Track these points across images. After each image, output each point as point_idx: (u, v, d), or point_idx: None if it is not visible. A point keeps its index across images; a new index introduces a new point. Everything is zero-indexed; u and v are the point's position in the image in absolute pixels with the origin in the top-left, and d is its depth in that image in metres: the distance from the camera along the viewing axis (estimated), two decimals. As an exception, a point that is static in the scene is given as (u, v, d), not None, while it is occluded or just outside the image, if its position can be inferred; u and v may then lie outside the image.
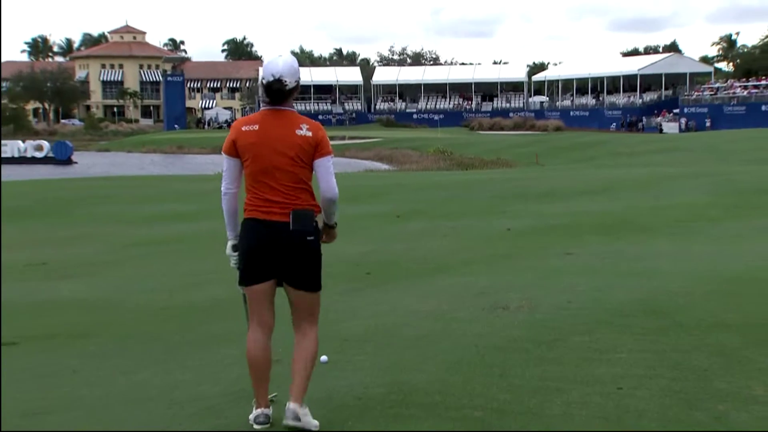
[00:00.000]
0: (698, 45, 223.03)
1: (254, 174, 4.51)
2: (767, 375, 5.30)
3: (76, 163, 52.19)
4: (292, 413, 4.43)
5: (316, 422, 4.48)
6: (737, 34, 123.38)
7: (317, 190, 4.55)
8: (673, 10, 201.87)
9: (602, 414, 4.67)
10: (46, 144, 55.21)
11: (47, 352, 6.20)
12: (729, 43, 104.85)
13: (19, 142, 56.94)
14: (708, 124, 70.24)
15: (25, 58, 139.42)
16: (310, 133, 4.53)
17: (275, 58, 4.58)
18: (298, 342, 4.59)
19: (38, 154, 53.48)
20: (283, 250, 4.49)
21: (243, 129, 4.56)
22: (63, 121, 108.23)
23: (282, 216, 4.47)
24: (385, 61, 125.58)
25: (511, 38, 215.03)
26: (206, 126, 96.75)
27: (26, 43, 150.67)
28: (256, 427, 4.52)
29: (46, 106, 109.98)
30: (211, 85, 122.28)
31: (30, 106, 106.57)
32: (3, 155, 53.33)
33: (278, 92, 4.52)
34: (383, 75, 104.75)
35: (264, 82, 4.53)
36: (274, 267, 4.52)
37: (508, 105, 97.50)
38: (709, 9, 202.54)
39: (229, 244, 4.70)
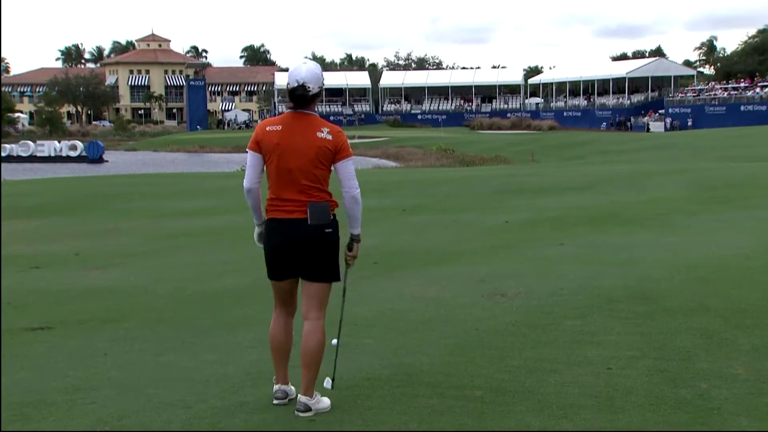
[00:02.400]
0: (678, 50, 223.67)
1: (276, 173, 4.47)
2: (747, 355, 5.30)
3: (107, 161, 52.26)
4: (303, 405, 4.43)
5: (327, 401, 4.50)
6: (716, 39, 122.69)
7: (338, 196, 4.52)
8: (654, 18, 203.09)
9: (593, 392, 4.67)
10: (79, 144, 55.29)
11: (80, 336, 6.21)
12: (710, 48, 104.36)
13: (56, 142, 57.05)
14: (690, 123, 70.02)
15: (59, 65, 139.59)
16: (330, 137, 4.45)
17: (300, 65, 4.52)
18: (307, 332, 4.50)
19: (72, 154, 53.58)
20: (303, 245, 4.44)
21: (267, 129, 4.51)
22: (94, 122, 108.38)
23: (301, 213, 4.43)
24: (392, 66, 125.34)
25: (506, 44, 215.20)
26: (226, 127, 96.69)
27: (60, 51, 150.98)
28: (274, 401, 4.55)
29: (79, 109, 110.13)
30: (231, 89, 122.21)
31: (64, 109, 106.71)
32: (40, 154, 53.57)
33: (301, 97, 4.46)
34: (390, 79, 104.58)
35: (288, 87, 4.48)
36: (296, 264, 4.49)
37: (506, 106, 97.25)
38: (687, 17, 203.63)
39: (256, 231, 4.68)
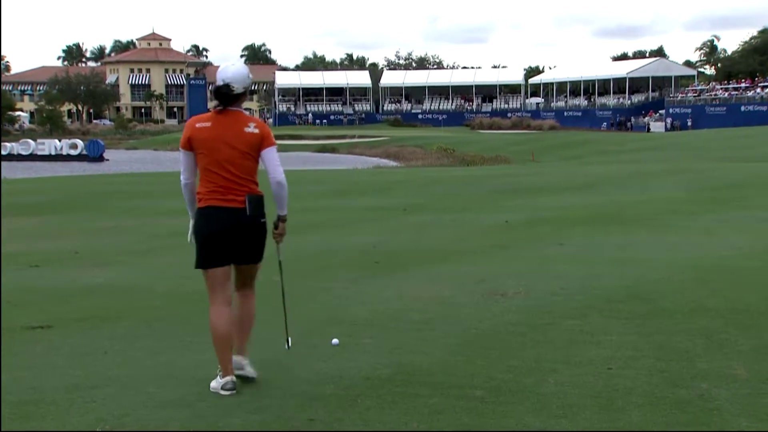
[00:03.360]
0: (678, 51, 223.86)
1: (208, 166, 4.76)
2: (746, 356, 5.29)
3: (107, 160, 52.24)
4: (237, 364, 4.83)
5: (254, 372, 4.91)
6: (718, 39, 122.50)
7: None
8: (652, 19, 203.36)
9: (593, 392, 4.67)
10: (80, 143, 55.28)
11: (79, 335, 6.21)
12: (711, 48, 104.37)
13: (56, 140, 57.07)
14: (689, 123, 70.03)
15: (60, 63, 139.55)
16: (257, 131, 4.81)
17: (227, 66, 4.89)
18: (241, 303, 4.96)
19: (73, 152, 53.57)
20: (241, 232, 4.77)
21: (197, 126, 4.83)
22: (95, 121, 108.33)
23: (239, 203, 4.74)
24: (392, 66, 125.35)
25: (504, 44, 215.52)
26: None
27: (62, 50, 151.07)
28: (223, 392, 4.71)
29: (80, 107, 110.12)
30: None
31: (65, 107, 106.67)
32: (41, 153, 53.58)
33: (225, 95, 4.80)
34: (390, 78, 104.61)
35: (212, 86, 4.86)
36: (231, 250, 4.80)
37: (506, 106, 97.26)
38: (686, 17, 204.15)
39: (192, 223, 4.92)
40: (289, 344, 5.30)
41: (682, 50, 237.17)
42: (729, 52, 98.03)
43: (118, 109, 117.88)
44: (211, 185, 4.74)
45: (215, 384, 4.78)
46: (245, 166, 4.76)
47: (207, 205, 4.75)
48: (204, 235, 4.77)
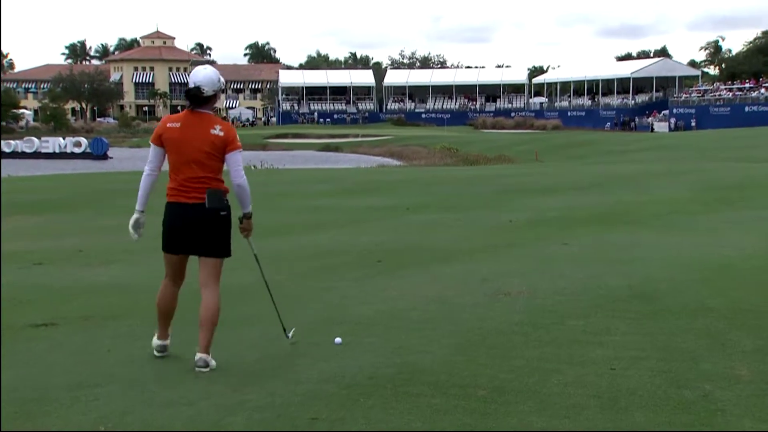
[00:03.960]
0: (682, 51, 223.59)
1: (176, 164, 5.15)
2: (750, 357, 5.28)
3: (111, 158, 52.28)
4: (202, 361, 5.13)
5: (214, 363, 5.19)
6: (723, 39, 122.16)
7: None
8: (655, 19, 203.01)
9: (596, 392, 4.66)
10: (84, 141, 55.37)
11: (83, 333, 6.21)
12: (715, 48, 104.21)
13: (60, 138, 57.16)
14: (693, 123, 69.93)
15: (64, 61, 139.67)
16: (222, 133, 5.11)
17: (199, 69, 5.24)
18: (206, 300, 5.22)
19: (77, 150, 53.67)
20: (200, 225, 5.14)
21: (168, 126, 5.21)
22: (99, 119, 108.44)
23: (198, 199, 5.12)
24: (396, 65, 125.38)
25: (507, 44, 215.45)
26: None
27: (66, 47, 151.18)
28: (156, 353, 5.43)
29: (84, 105, 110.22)
30: (235, 87, 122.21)
31: (69, 105, 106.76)
32: (45, 151, 53.68)
33: (195, 97, 5.14)
34: (394, 77, 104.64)
35: (185, 88, 5.24)
36: (191, 243, 5.19)
37: (510, 105, 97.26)
38: (689, 18, 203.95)
39: (135, 216, 5.40)
40: (289, 335, 5.60)
41: (686, 50, 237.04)
42: (733, 53, 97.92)
43: (121, 107, 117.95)
44: (176, 183, 5.16)
45: (153, 343, 5.49)
46: (209, 165, 5.11)
47: (172, 201, 5.19)
48: (166, 227, 5.26)
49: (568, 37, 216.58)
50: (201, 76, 5.14)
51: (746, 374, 4.93)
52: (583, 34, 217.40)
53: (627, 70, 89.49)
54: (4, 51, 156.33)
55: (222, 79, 5.22)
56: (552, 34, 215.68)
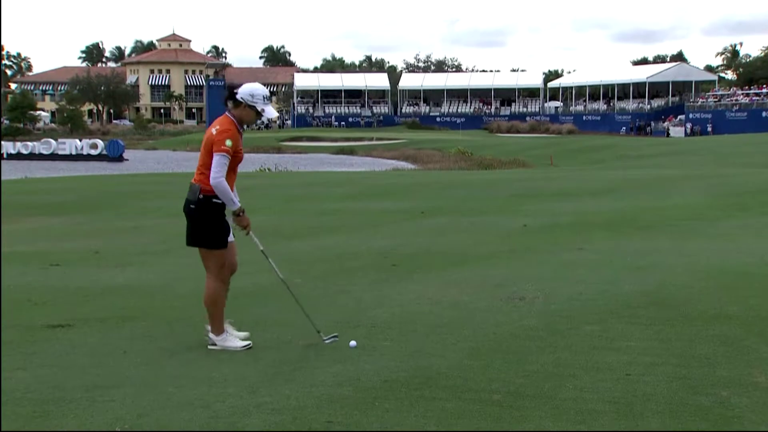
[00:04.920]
0: (698, 55, 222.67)
1: None
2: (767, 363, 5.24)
3: (127, 160, 52.60)
4: (210, 339, 5.78)
5: (234, 343, 5.71)
6: (741, 45, 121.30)
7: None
8: (671, 24, 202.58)
9: (612, 398, 4.64)
10: (100, 143, 55.73)
11: (99, 334, 6.25)
12: (733, 53, 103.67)
13: (77, 140, 57.57)
14: (709, 128, 69.57)
15: (81, 63, 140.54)
16: (214, 132, 5.59)
17: (248, 83, 5.86)
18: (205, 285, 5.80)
19: (93, 152, 54.02)
20: (185, 215, 5.73)
21: None
22: (115, 121, 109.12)
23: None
24: (411, 68, 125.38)
25: (523, 48, 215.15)
26: (245, 127, 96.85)
27: (82, 51, 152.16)
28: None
29: (100, 107, 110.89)
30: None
31: (85, 107, 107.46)
32: (62, 153, 54.04)
33: (227, 95, 5.72)
34: (409, 81, 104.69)
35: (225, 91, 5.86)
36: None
37: (525, 109, 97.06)
38: (705, 23, 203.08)
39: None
40: (323, 336, 5.80)
41: (701, 55, 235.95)
42: (750, 58, 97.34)
43: (137, 109, 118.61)
44: None
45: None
46: (204, 161, 5.60)
47: None
48: None
49: (584, 41, 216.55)
50: (245, 85, 5.73)
51: (764, 381, 4.90)
52: (598, 39, 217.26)
53: (643, 74, 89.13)
54: (24, 54, 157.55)
55: (256, 96, 5.64)
56: (568, 39, 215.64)
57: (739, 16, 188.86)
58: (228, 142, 5.51)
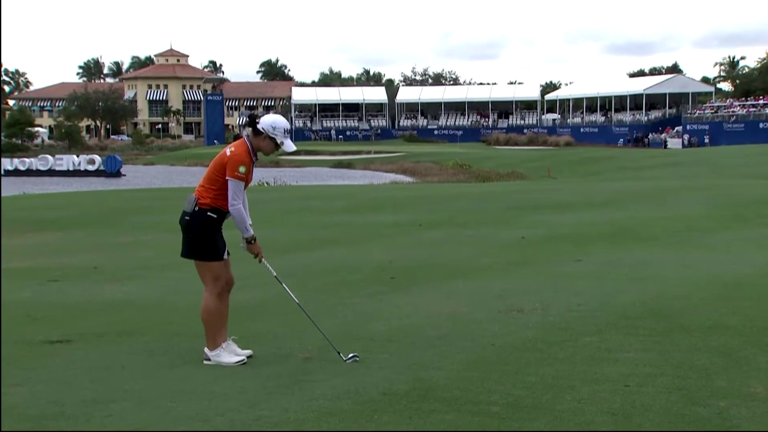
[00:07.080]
0: (687, 67, 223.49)
1: None
2: (766, 374, 5.26)
3: (124, 175, 52.63)
4: (204, 354, 5.78)
5: (227, 359, 5.69)
6: (743, 58, 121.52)
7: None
8: (663, 36, 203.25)
9: (610, 409, 4.65)
10: (97, 158, 55.78)
11: (98, 349, 6.25)
12: (731, 64, 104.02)
13: (74, 156, 57.57)
14: (706, 140, 69.71)
15: (78, 79, 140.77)
16: (228, 153, 5.70)
17: (272, 115, 6.05)
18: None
19: (90, 168, 54.04)
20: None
21: None
22: (113, 136, 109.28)
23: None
24: (408, 81, 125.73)
25: (516, 60, 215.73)
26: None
27: (80, 66, 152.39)
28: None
29: (98, 123, 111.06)
30: (248, 104, 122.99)
31: (83, 123, 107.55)
32: (59, 168, 54.07)
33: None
34: (406, 94, 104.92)
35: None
36: None
37: (522, 122, 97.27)
38: (696, 35, 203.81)
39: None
40: (343, 357, 5.64)
41: (693, 67, 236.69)
42: (746, 69, 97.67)
43: (135, 124, 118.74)
44: None
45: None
46: (209, 176, 5.71)
47: None
48: None
49: (576, 53, 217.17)
50: (268, 116, 5.90)
51: (761, 391, 4.91)
52: (591, 51, 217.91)
53: (640, 86, 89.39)
54: (22, 70, 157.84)
55: (277, 129, 5.74)
56: (560, 51, 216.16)
57: (729, 29, 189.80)
58: (241, 169, 5.61)
